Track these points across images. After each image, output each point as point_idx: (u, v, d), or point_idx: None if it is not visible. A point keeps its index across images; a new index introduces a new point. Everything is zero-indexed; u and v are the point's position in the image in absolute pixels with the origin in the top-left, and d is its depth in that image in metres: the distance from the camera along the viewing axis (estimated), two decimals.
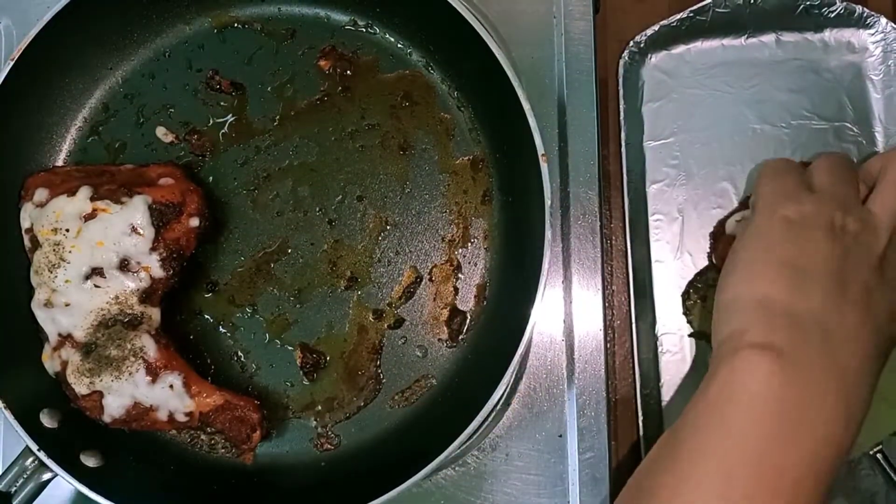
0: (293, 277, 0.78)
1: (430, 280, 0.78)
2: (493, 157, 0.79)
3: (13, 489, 0.68)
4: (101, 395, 0.68)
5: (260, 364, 0.77)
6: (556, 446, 0.78)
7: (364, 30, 0.81)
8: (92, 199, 0.69)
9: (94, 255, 0.68)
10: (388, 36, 0.81)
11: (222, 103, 0.79)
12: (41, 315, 0.69)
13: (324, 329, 0.77)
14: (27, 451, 0.68)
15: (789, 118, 0.87)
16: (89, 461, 0.71)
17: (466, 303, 0.78)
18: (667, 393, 0.83)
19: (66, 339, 0.69)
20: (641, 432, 0.80)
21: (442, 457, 0.68)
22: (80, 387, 0.68)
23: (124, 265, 0.68)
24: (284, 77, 0.80)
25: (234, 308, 0.77)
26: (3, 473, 0.68)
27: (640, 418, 0.80)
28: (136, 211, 0.68)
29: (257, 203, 0.78)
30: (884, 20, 0.87)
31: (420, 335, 0.77)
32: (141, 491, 0.71)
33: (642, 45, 0.86)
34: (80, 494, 0.68)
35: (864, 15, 0.87)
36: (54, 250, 0.68)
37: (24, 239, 0.71)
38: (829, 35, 0.88)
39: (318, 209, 0.78)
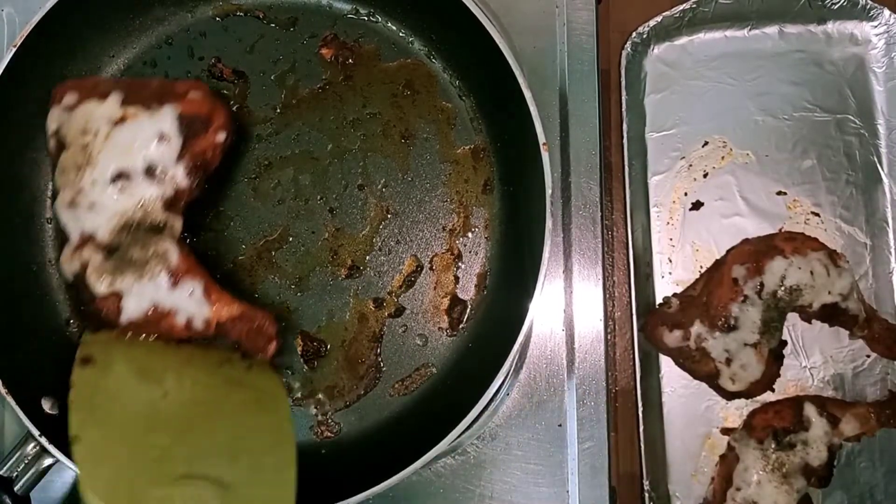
0: (294, 266, 0.78)
1: (431, 269, 0.78)
2: (494, 147, 0.79)
3: (15, 474, 0.68)
4: (119, 296, 0.68)
5: None
6: (556, 436, 0.78)
7: (366, 18, 0.81)
8: (122, 104, 0.69)
9: (122, 158, 0.68)
10: (390, 24, 0.80)
11: (224, 91, 0.79)
12: (65, 215, 0.69)
13: (324, 317, 0.77)
14: (29, 437, 0.68)
15: (791, 110, 0.87)
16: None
17: (467, 292, 0.78)
18: (667, 384, 0.83)
19: (88, 239, 0.68)
20: (641, 423, 0.81)
21: (441, 445, 0.68)
22: (100, 286, 0.67)
23: (150, 171, 0.68)
24: (286, 65, 0.80)
25: (237, 293, 0.77)
26: (5, 458, 0.69)
27: (640, 409, 0.81)
28: (165, 119, 0.69)
29: (258, 191, 0.78)
30: (887, 12, 0.86)
31: (420, 324, 0.78)
32: None
33: (645, 36, 0.86)
34: None
35: (868, 7, 0.87)
36: (82, 151, 0.68)
37: (49, 142, 0.71)
38: (831, 27, 0.88)
39: (319, 198, 0.78)
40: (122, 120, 0.68)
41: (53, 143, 0.70)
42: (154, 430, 0.65)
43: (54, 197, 0.70)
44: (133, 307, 0.68)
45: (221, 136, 0.72)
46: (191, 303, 0.69)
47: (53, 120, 0.70)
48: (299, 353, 0.77)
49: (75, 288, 0.69)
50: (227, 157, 0.74)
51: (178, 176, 0.69)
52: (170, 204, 0.70)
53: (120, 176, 0.68)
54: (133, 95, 0.70)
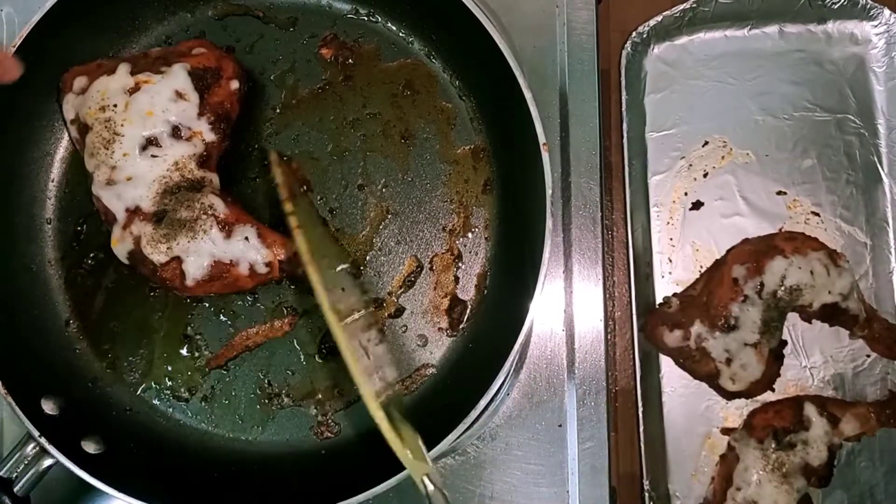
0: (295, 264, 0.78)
1: (431, 269, 0.78)
2: (494, 147, 0.79)
3: (14, 475, 0.68)
4: (179, 261, 0.68)
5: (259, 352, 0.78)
6: (556, 436, 0.78)
7: (366, 18, 0.81)
8: (132, 73, 0.70)
9: (147, 124, 0.69)
10: (389, 25, 0.80)
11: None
12: (105, 194, 0.69)
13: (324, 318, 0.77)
14: (28, 438, 0.68)
15: (791, 110, 0.87)
16: (90, 448, 0.71)
17: (467, 292, 0.78)
18: (667, 384, 0.83)
19: (134, 213, 0.69)
20: (641, 423, 0.81)
21: (442, 445, 0.68)
22: (159, 255, 0.68)
23: (176, 132, 0.69)
24: (286, 65, 0.80)
25: (235, 296, 0.77)
26: (5, 459, 0.69)
27: (640, 409, 0.81)
28: (178, 77, 0.70)
29: (258, 191, 0.78)
30: (887, 12, 0.86)
31: (420, 324, 0.78)
32: (141, 477, 0.71)
33: (645, 36, 0.86)
34: (80, 480, 0.68)
35: (868, 6, 0.86)
36: (106, 127, 0.69)
37: (69, 131, 0.72)
38: (832, 27, 0.88)
39: (319, 198, 0.78)
40: (136, 88, 0.69)
41: (76, 130, 0.71)
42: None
43: (90, 184, 0.71)
44: (195, 267, 0.69)
45: (235, 85, 0.73)
46: (248, 250, 0.70)
47: (69, 107, 0.71)
48: (317, 343, 0.77)
49: (134, 265, 0.70)
50: (245, 108, 0.75)
51: (204, 131, 0.70)
52: (203, 160, 0.71)
53: (149, 143, 0.69)
54: (140, 64, 0.71)
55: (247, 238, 0.69)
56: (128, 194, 0.69)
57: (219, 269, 0.69)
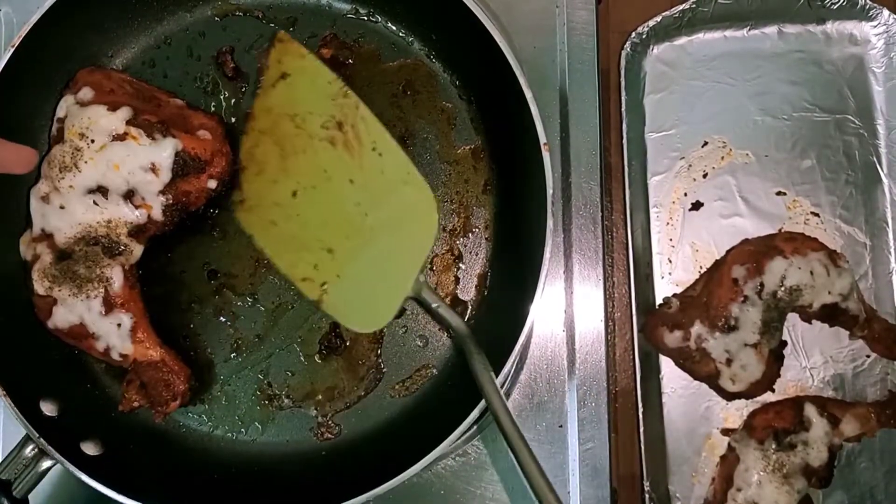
0: None
1: (432, 270, 0.78)
2: (494, 147, 0.79)
3: (13, 476, 0.68)
4: (54, 301, 0.68)
5: (259, 353, 0.77)
6: (557, 437, 0.78)
7: (366, 18, 0.80)
8: (129, 122, 0.69)
9: (107, 175, 0.68)
10: (389, 24, 0.80)
11: (224, 91, 0.79)
12: (35, 205, 0.69)
13: (324, 318, 0.77)
14: (27, 439, 0.68)
15: (791, 110, 0.87)
16: (89, 449, 0.71)
17: (467, 292, 0.78)
18: (667, 385, 0.83)
19: (46, 236, 0.69)
20: (641, 424, 0.80)
21: (442, 446, 0.68)
22: (40, 286, 0.68)
23: (129, 196, 0.68)
24: None
25: (235, 297, 0.77)
26: (4, 461, 0.68)
27: (641, 409, 0.81)
28: (164, 152, 0.68)
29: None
30: (886, 12, 0.87)
31: (421, 325, 0.77)
32: (140, 479, 0.71)
33: (644, 37, 0.86)
34: (80, 482, 0.68)
35: (867, 7, 0.87)
36: (73, 154, 0.68)
37: (52, 126, 0.72)
38: (831, 27, 0.88)
39: None
40: (122, 137, 0.68)
41: (56, 129, 0.71)
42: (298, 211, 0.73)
43: (35, 179, 0.70)
44: (60, 317, 0.69)
45: (212, 185, 0.72)
46: (115, 334, 0.69)
47: (63, 108, 0.71)
48: (318, 340, 0.77)
49: (23, 270, 0.70)
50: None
51: (155, 207, 0.69)
52: (136, 232, 0.70)
53: (98, 189, 0.68)
54: (145, 114, 0.69)
55: (119, 324, 0.69)
56: (51, 219, 0.68)
57: (79, 333, 0.69)
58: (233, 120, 0.79)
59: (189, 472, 0.74)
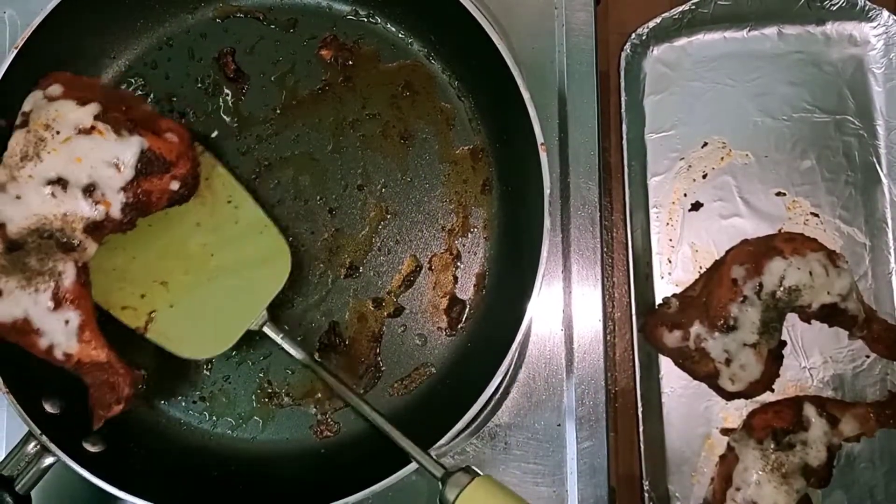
0: (293, 266, 0.78)
1: (430, 269, 0.78)
2: (493, 147, 0.79)
3: (15, 473, 0.68)
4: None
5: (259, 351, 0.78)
6: (555, 436, 0.79)
7: (365, 19, 0.81)
8: (96, 117, 0.67)
9: (68, 167, 0.65)
10: (389, 26, 0.81)
11: (225, 92, 0.80)
12: None
13: (324, 318, 0.78)
14: (29, 436, 0.68)
15: (790, 111, 0.87)
16: (91, 446, 0.71)
17: (466, 292, 0.78)
18: (666, 385, 0.83)
19: None
20: (641, 423, 0.81)
21: (440, 444, 0.68)
22: None
23: (89, 190, 0.66)
24: (286, 67, 0.80)
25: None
26: (6, 458, 0.69)
27: (640, 409, 0.81)
28: (129, 149, 0.66)
29: (258, 192, 0.79)
30: (886, 13, 0.87)
31: (419, 324, 0.78)
32: (142, 476, 0.72)
33: (644, 38, 0.87)
34: (81, 479, 0.68)
35: (866, 8, 0.87)
36: (36, 143, 0.66)
37: (18, 118, 0.68)
38: (830, 28, 0.88)
39: (318, 198, 0.79)
40: (88, 131, 0.66)
41: (20, 121, 0.69)
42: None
43: None
44: (4, 310, 0.65)
45: (175, 186, 0.70)
46: (61, 332, 0.66)
47: (30, 101, 0.69)
48: (317, 337, 0.77)
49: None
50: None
51: (114, 206, 0.67)
52: (92, 228, 0.67)
53: (58, 181, 0.65)
54: (113, 112, 0.68)
55: (67, 321, 0.66)
56: (5, 208, 0.65)
57: (23, 328, 0.66)
58: (234, 121, 0.79)
59: (189, 470, 0.75)
